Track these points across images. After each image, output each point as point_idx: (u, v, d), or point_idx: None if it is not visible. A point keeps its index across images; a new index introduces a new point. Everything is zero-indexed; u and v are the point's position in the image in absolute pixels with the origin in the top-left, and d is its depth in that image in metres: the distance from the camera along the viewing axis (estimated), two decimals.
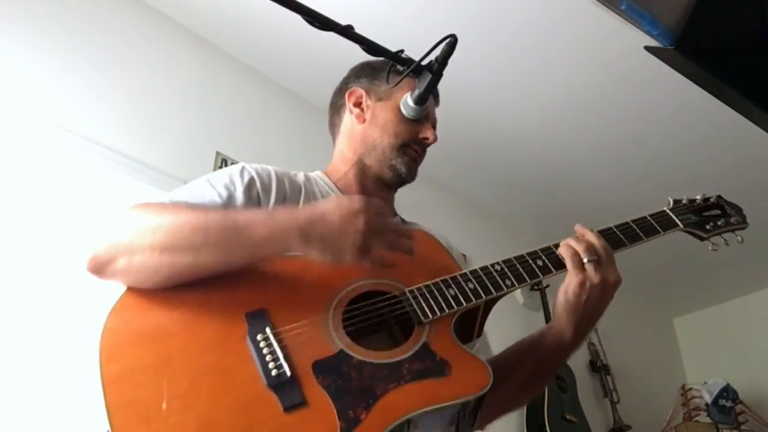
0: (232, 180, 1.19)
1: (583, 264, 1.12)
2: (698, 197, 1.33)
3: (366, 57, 1.19)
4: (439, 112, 1.46)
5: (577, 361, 3.87)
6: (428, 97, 1.26)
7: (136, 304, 0.99)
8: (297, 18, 1.10)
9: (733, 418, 3.90)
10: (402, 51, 1.21)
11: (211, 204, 1.13)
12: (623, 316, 4.16)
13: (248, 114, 3.02)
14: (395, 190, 1.41)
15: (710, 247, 1.30)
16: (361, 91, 1.40)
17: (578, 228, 1.19)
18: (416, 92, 1.25)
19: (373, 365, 0.97)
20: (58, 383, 1.99)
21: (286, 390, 0.92)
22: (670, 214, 1.28)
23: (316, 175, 1.39)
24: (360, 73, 1.43)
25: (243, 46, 3.02)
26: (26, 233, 2.17)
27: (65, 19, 2.54)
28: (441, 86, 1.26)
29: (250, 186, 1.19)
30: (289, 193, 1.24)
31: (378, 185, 1.36)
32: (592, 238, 1.16)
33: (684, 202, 1.32)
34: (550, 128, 3.43)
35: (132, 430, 0.87)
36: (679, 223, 1.26)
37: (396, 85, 1.27)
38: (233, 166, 1.24)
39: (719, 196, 1.35)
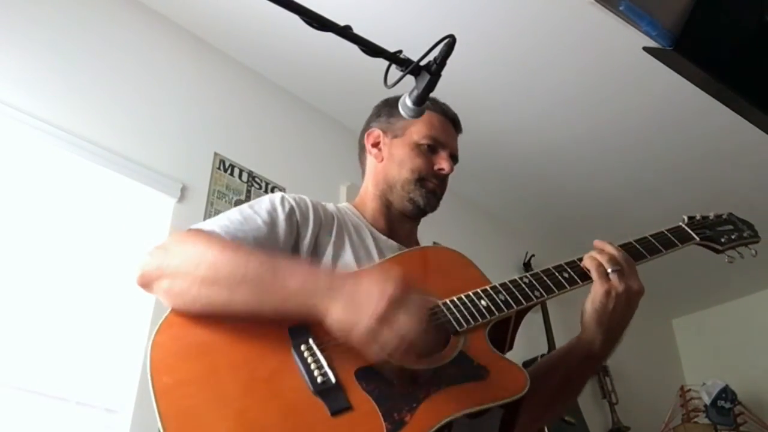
0: (273, 207, 1.24)
1: (607, 274, 1.18)
2: (711, 214, 1.41)
3: (364, 58, 1.19)
4: None
5: None
6: (426, 97, 1.24)
7: (182, 321, 1.03)
8: (295, 18, 1.09)
9: (731, 420, 3.90)
10: (400, 51, 1.20)
11: (255, 229, 1.17)
12: None
13: (246, 115, 3.02)
14: (418, 221, 1.47)
15: (726, 260, 1.38)
16: (378, 131, 1.47)
17: (597, 243, 1.24)
18: (414, 92, 1.23)
19: (414, 372, 1.01)
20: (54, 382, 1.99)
21: (332, 395, 0.95)
22: (686, 228, 1.36)
23: (345, 206, 1.45)
24: (380, 111, 1.49)
25: (241, 46, 3.01)
26: (25, 234, 2.16)
27: (61, 21, 2.54)
28: (439, 87, 1.23)
29: (290, 213, 1.24)
30: (324, 220, 1.29)
31: (402, 218, 1.43)
32: (613, 250, 1.22)
33: (698, 218, 1.40)
34: (549, 129, 3.43)
35: None
36: (695, 236, 1.34)
37: (395, 84, 1.26)
38: (273, 194, 1.29)
39: (731, 213, 1.43)
